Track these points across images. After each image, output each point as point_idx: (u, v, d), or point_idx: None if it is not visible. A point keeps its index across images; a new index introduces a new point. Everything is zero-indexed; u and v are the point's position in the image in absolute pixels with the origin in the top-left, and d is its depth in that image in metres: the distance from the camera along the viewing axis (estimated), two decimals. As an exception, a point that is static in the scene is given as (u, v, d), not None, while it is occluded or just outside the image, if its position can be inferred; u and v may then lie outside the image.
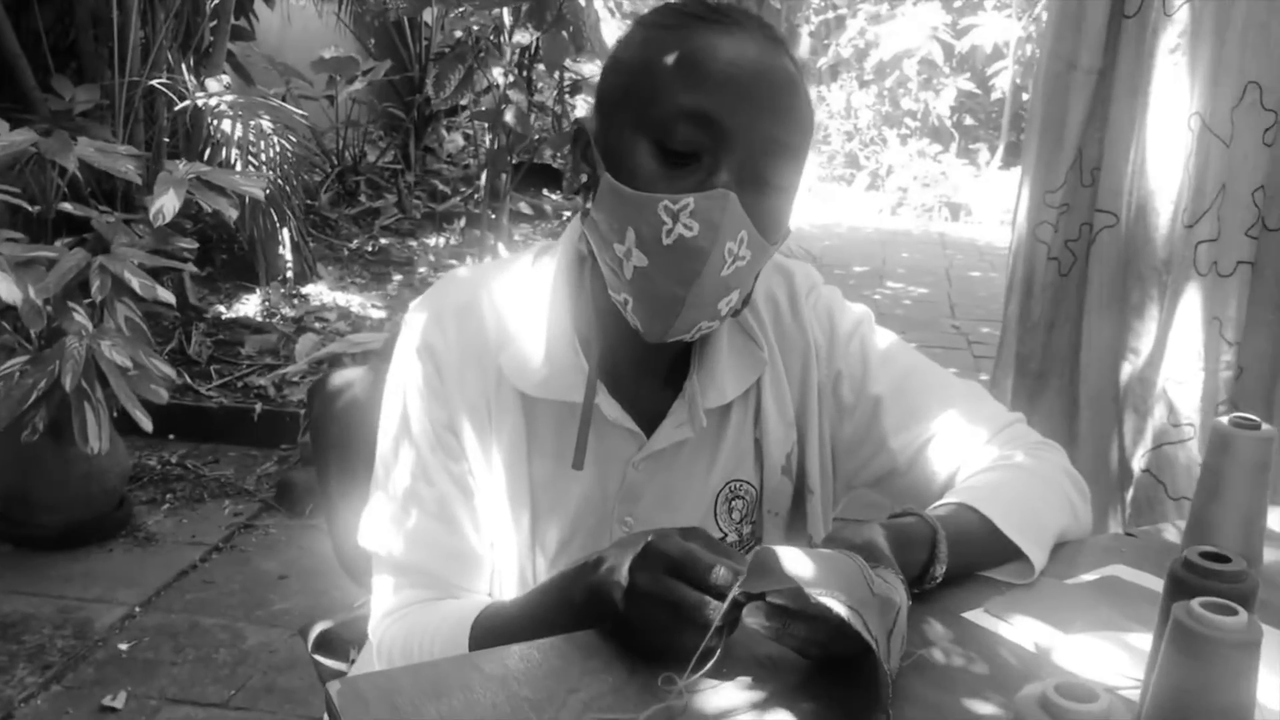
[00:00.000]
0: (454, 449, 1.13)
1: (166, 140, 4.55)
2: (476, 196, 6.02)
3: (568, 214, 6.77)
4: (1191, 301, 2.13)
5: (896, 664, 0.86)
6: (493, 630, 1.04)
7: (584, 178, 1.09)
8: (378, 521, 1.16)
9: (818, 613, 0.82)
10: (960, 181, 10.42)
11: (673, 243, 0.99)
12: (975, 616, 0.99)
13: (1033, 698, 0.62)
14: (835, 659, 0.88)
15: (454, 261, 5.69)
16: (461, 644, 1.04)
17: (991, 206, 9.93)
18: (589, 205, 1.07)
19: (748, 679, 0.87)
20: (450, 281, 1.21)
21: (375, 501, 1.17)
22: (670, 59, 1.01)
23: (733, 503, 1.22)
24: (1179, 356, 2.15)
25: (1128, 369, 2.26)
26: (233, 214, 3.13)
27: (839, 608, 0.80)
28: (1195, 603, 0.71)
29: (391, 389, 1.17)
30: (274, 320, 4.70)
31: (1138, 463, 2.23)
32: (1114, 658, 0.93)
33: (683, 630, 0.85)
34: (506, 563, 1.15)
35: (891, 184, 10.64)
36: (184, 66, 4.48)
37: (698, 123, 0.99)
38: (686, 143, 0.99)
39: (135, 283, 2.73)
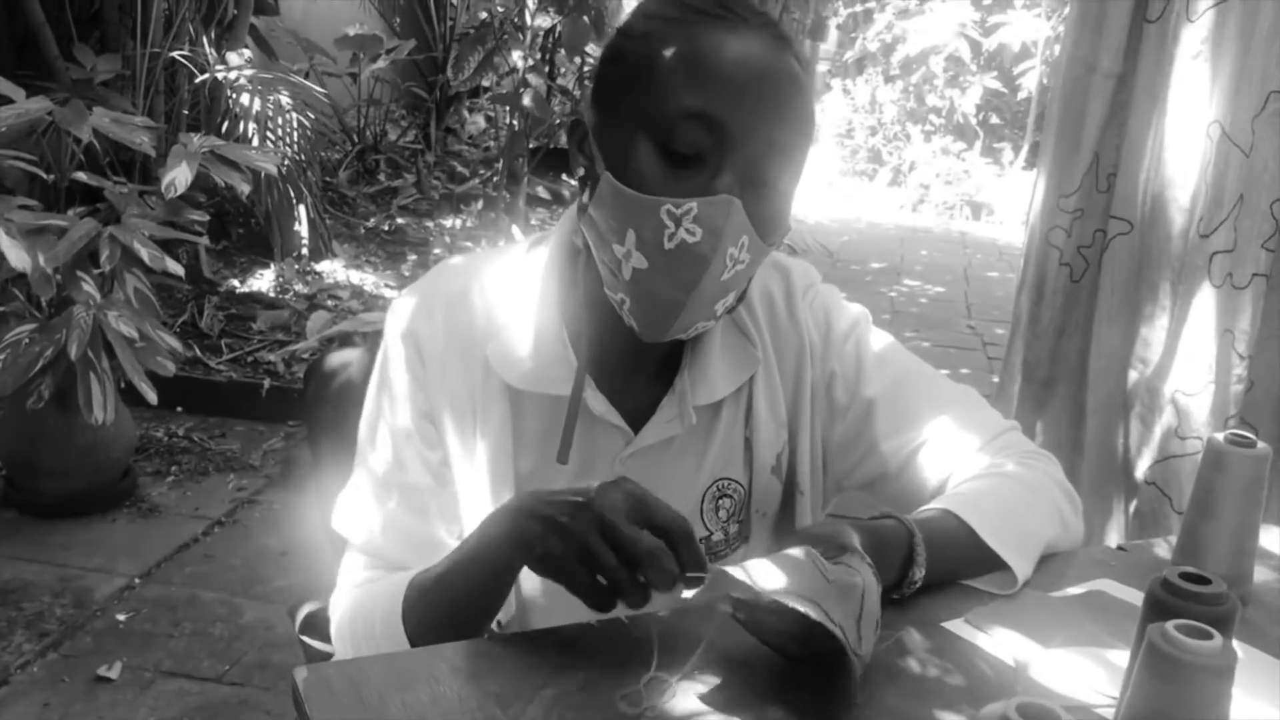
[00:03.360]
0: (431, 437, 1.13)
1: (186, 113, 4.56)
2: (495, 179, 6.00)
3: (585, 200, 6.73)
4: (1204, 312, 2.10)
5: (870, 647, 0.86)
6: (423, 587, 1.04)
7: (581, 171, 1.08)
8: (351, 505, 1.16)
9: (776, 609, 0.82)
10: (983, 180, 10.37)
11: (675, 247, 0.97)
12: (955, 626, 0.98)
13: (994, 717, 0.61)
14: (815, 656, 0.87)
15: (469, 244, 5.68)
16: (396, 606, 1.04)
17: (1014, 207, 9.88)
18: (587, 201, 1.05)
19: (718, 680, 0.86)
20: (442, 270, 1.20)
21: (351, 485, 1.17)
22: (674, 57, 0.99)
23: (720, 501, 1.21)
24: (1189, 368, 2.13)
25: (1136, 378, 2.23)
26: (245, 188, 3.13)
27: (794, 603, 0.80)
28: (1170, 625, 0.69)
29: (375, 378, 1.17)
30: (287, 296, 4.71)
31: (1143, 474, 2.21)
32: (1092, 675, 0.92)
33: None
34: None
35: (913, 180, 10.60)
36: (205, 39, 4.48)
37: (702, 124, 0.97)
38: (690, 144, 0.97)
39: (144, 254, 2.73)
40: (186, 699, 2.42)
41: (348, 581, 1.15)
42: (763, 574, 0.84)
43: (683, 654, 0.87)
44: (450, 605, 1.02)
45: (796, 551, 0.87)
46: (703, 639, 0.88)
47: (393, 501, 1.13)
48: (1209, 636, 0.69)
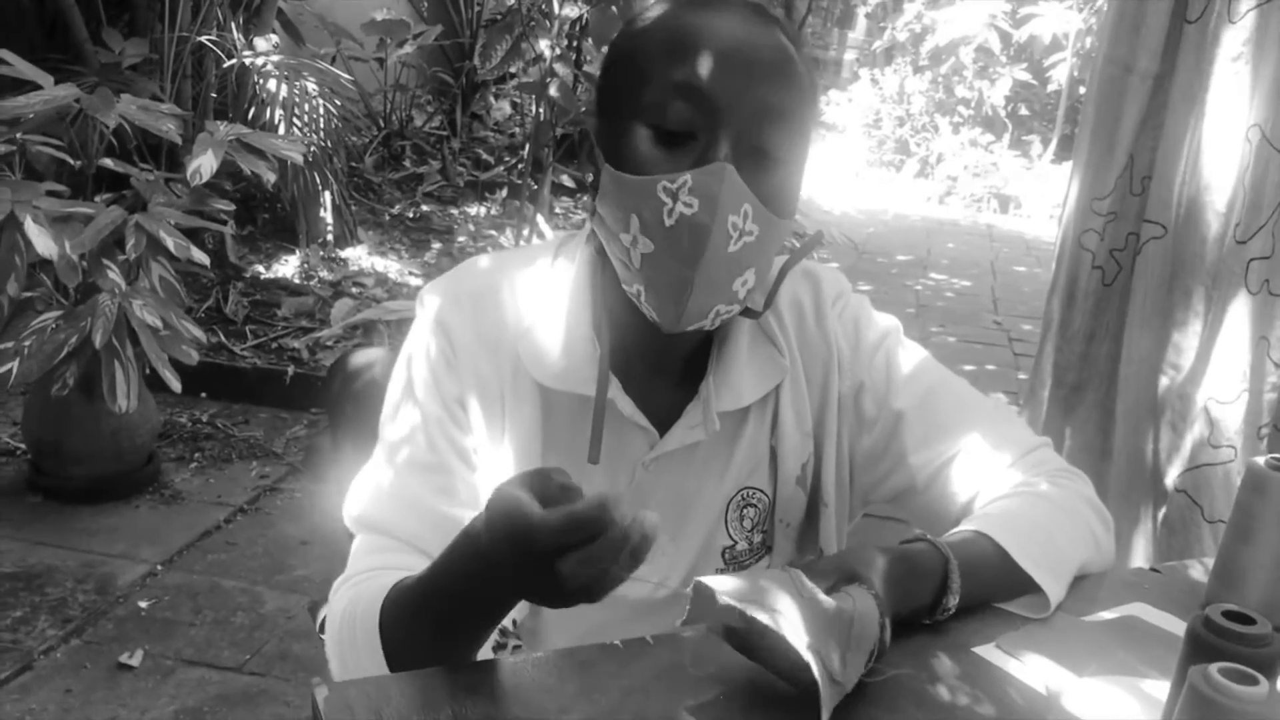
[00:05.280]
0: (461, 421, 1.11)
1: (214, 97, 4.56)
2: (520, 167, 5.99)
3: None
4: (1239, 319, 2.06)
5: (856, 675, 0.85)
6: (402, 599, 0.97)
7: (590, 177, 1.08)
8: (370, 486, 1.11)
9: (747, 625, 0.83)
10: (1011, 173, 10.28)
11: (674, 223, 0.98)
12: (986, 652, 0.96)
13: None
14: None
15: (493, 232, 5.66)
16: (375, 612, 0.98)
17: (1042, 200, 9.80)
18: (595, 203, 1.06)
19: (749, 702, 0.85)
20: (468, 268, 1.19)
21: (370, 468, 1.13)
22: (657, 43, 1.02)
23: (744, 510, 1.20)
24: (1223, 375, 2.09)
25: (1167, 385, 2.19)
26: (271, 177, 3.12)
27: (760, 615, 0.80)
28: (1214, 668, 0.67)
29: (401, 364, 1.15)
30: (311, 283, 4.71)
31: (1173, 482, 2.18)
32: (1127, 706, 0.90)
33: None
34: None
35: (941, 172, 10.51)
36: (233, 24, 4.48)
37: (689, 99, 0.98)
38: (680, 121, 0.99)
39: (170, 242, 2.73)
40: (207, 688, 2.42)
41: (356, 566, 1.08)
42: (742, 590, 0.83)
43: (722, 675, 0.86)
44: (435, 625, 0.94)
45: (780, 572, 0.87)
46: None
47: (419, 480, 1.09)
48: (1254, 681, 0.67)
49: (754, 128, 0.99)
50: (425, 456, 1.09)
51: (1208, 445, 2.11)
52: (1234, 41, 2.04)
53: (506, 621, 1.12)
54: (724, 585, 0.83)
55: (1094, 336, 2.33)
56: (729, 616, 0.85)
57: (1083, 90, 10.05)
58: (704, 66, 0.98)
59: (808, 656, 0.80)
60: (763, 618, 0.80)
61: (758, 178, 0.99)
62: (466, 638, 0.95)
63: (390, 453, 1.11)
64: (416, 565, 1.01)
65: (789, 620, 0.81)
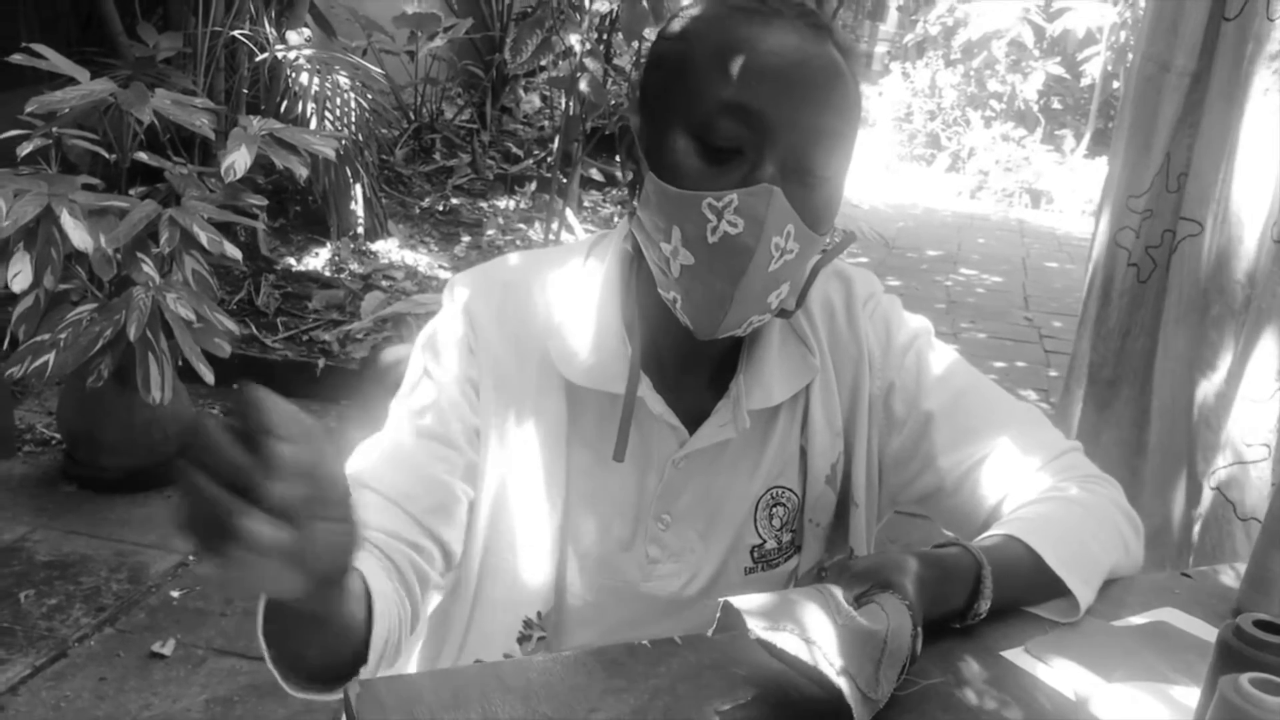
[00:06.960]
0: (474, 404, 1.11)
1: (245, 91, 4.60)
2: (549, 160, 6.00)
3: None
4: (1275, 318, 2.05)
5: (889, 690, 0.85)
6: None
7: (629, 176, 1.07)
8: (371, 447, 1.10)
9: (771, 651, 0.83)
10: (1043, 168, 10.19)
11: (718, 240, 0.97)
12: (1014, 656, 0.96)
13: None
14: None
15: (522, 225, 5.68)
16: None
17: (1074, 195, 9.71)
18: (635, 204, 1.05)
19: (775, 706, 0.85)
20: (499, 263, 1.20)
21: (374, 435, 1.12)
22: (708, 53, 0.99)
23: (774, 509, 1.20)
24: (1258, 374, 2.07)
25: (1202, 382, 2.18)
26: (304, 173, 3.14)
27: (790, 646, 0.80)
28: (1244, 679, 0.67)
29: (420, 344, 1.14)
30: (342, 276, 4.74)
31: (1207, 479, 2.16)
32: (1155, 712, 0.89)
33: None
34: (538, 554, 1.13)
35: (972, 166, 10.43)
36: (266, 18, 4.51)
37: (738, 117, 0.97)
38: (728, 138, 0.97)
39: (203, 237, 2.75)
40: (237, 678, 2.45)
41: None
42: (773, 611, 0.83)
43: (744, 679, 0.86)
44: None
45: (815, 591, 0.87)
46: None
47: (422, 448, 1.07)
48: (1285, 692, 0.66)
49: (802, 148, 0.98)
50: (432, 427, 1.09)
51: (1242, 444, 2.10)
52: (1274, 40, 2.02)
53: (531, 613, 1.13)
54: (753, 607, 0.82)
55: (1129, 333, 2.32)
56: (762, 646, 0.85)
57: (1116, 84, 9.97)
58: (755, 86, 0.97)
59: (840, 682, 0.80)
60: (794, 649, 0.80)
61: (802, 196, 0.98)
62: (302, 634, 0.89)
63: (397, 421, 1.11)
64: (397, 529, 1.02)
65: (822, 648, 0.81)
